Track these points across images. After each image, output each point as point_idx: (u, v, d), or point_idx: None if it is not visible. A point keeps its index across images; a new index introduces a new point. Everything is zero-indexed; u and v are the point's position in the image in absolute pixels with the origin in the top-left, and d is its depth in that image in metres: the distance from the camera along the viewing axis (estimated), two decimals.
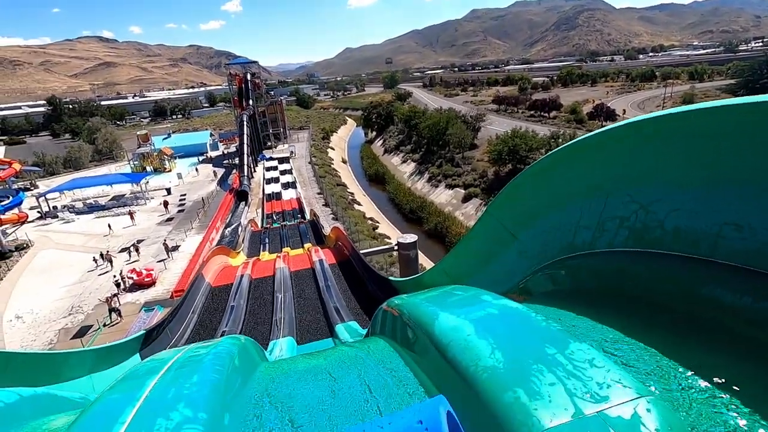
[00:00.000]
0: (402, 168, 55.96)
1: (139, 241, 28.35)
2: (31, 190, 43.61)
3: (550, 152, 2.64)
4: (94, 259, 25.36)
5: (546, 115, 63.90)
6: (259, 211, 34.98)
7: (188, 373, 1.49)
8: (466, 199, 39.08)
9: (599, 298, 2.04)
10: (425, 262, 24.96)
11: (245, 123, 50.49)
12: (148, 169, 49.14)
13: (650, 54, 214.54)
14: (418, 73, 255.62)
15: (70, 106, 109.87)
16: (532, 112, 67.58)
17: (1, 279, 25.16)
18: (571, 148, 2.39)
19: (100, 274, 24.45)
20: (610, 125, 2.08)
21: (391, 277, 9.27)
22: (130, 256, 26.30)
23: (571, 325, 1.66)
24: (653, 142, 1.88)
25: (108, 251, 26.11)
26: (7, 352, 3.34)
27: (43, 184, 46.73)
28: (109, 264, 24.94)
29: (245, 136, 48.31)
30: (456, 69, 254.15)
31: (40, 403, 2.01)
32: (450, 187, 42.20)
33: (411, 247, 13.22)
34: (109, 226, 31.39)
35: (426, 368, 1.60)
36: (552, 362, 1.17)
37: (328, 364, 1.92)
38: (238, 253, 17.89)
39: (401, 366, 1.76)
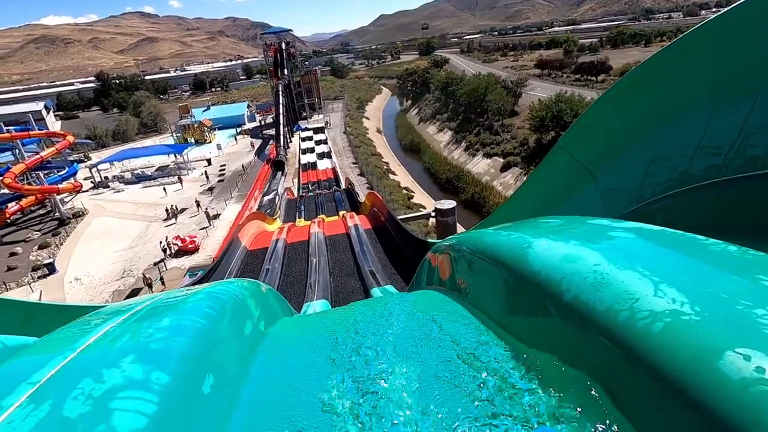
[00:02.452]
0: (438, 137, 54.42)
1: (181, 210, 29.60)
2: (85, 161, 46.03)
3: (654, 53, 1.97)
4: (166, 210, 28.64)
5: (593, 78, 59.53)
6: (296, 180, 35.22)
7: (159, 315, 1.09)
8: (504, 168, 37.58)
9: (747, 240, 1.43)
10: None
11: (281, 93, 50.37)
12: (190, 140, 50.46)
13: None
14: (456, 39, 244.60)
15: (117, 82, 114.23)
16: (578, 75, 63.12)
17: (62, 244, 26.94)
18: (695, 36, 1.72)
19: (166, 226, 27.33)
20: None
21: (429, 239, 8.79)
22: (198, 208, 29.41)
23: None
24: None
25: (173, 206, 29.06)
26: (29, 302, 3.18)
27: (95, 156, 49.21)
28: (175, 218, 27.97)
29: (281, 107, 48.28)
30: (496, 33, 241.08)
31: None
32: (488, 156, 40.65)
33: (449, 214, 12.60)
34: (164, 189, 34.01)
35: (515, 323, 1.09)
36: None
37: (363, 318, 1.48)
38: (275, 219, 18.00)
39: (466, 318, 1.27)
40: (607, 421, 0.74)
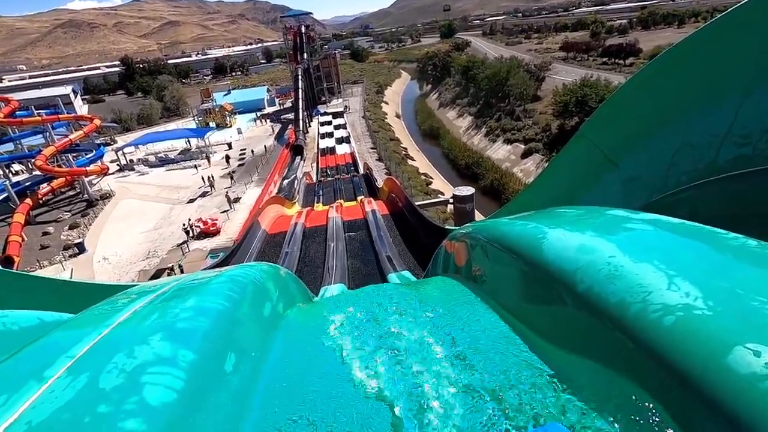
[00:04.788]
0: (457, 122, 53.61)
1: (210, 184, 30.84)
2: (111, 144, 47.20)
3: (686, 37, 1.90)
4: (202, 179, 30.97)
5: (621, 62, 57.30)
6: (314, 165, 35.40)
7: (184, 297, 1.14)
8: (525, 154, 36.85)
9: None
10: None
11: (300, 77, 50.27)
12: (211, 124, 51.07)
13: None
14: (478, 21, 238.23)
15: (141, 66, 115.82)
16: (605, 59, 60.87)
17: (91, 224, 27.93)
18: (733, 16, 1.64)
19: (203, 195, 29.74)
20: None
21: (447, 226, 8.77)
22: (232, 180, 31.98)
23: None
24: None
25: (210, 176, 31.01)
26: (62, 280, 3.35)
27: (121, 139, 50.40)
28: (212, 188, 29.98)
29: (300, 91, 48.24)
30: (519, 14, 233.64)
31: None
32: (509, 141, 39.90)
33: (467, 200, 12.49)
34: (196, 167, 36.32)
35: (528, 313, 1.11)
36: None
37: (385, 306, 1.51)
38: (294, 203, 18.21)
39: (480, 305, 1.28)
40: (617, 411, 0.75)
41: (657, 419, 0.66)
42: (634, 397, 0.68)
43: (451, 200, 13.18)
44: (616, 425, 0.73)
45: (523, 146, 37.64)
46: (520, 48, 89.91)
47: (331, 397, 1.19)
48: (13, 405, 0.82)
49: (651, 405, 0.67)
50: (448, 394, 1.10)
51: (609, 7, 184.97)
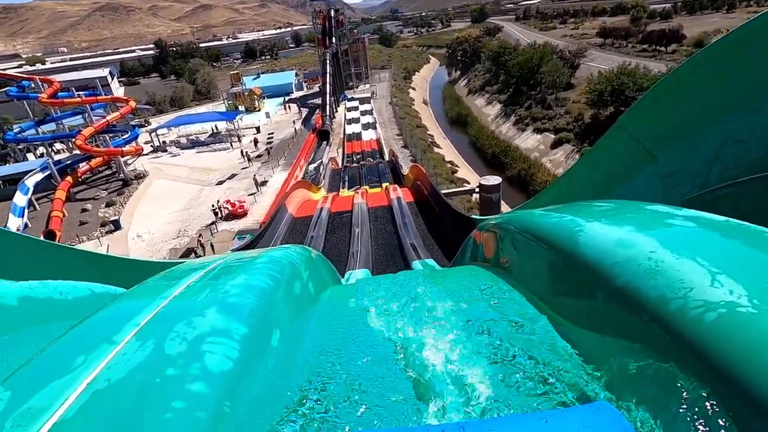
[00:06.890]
0: (486, 110, 52.46)
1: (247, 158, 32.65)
2: (145, 126, 48.70)
3: (737, 27, 1.81)
4: (241, 153, 33.71)
5: (663, 49, 54.33)
6: (340, 150, 35.56)
7: (232, 274, 1.22)
8: (555, 144, 35.77)
9: None
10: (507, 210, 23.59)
11: (328, 62, 50.17)
12: (241, 108, 51.84)
13: None
14: (511, 5, 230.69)
15: (174, 49, 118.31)
16: (645, 45, 57.96)
17: (126, 203, 29.12)
18: None
19: (243, 168, 32.09)
20: None
21: (473, 216, 8.69)
22: (269, 155, 34.56)
23: None
24: None
25: (248, 152, 33.68)
26: (106, 255, 3.55)
27: (154, 121, 51.92)
28: (248, 162, 32.34)
29: (328, 76, 48.19)
30: None
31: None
32: (538, 131, 38.78)
33: (494, 190, 12.30)
34: (231, 144, 39.00)
35: (558, 303, 1.11)
36: None
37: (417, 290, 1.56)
38: (319, 188, 18.43)
39: (508, 290, 1.30)
40: (650, 404, 0.77)
41: (694, 411, 0.67)
42: (678, 384, 0.69)
43: (477, 189, 13.01)
44: (651, 419, 0.75)
45: (553, 136, 36.55)
46: (554, 33, 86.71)
47: (373, 375, 1.26)
48: (90, 364, 0.91)
49: (687, 396, 0.69)
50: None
51: None
